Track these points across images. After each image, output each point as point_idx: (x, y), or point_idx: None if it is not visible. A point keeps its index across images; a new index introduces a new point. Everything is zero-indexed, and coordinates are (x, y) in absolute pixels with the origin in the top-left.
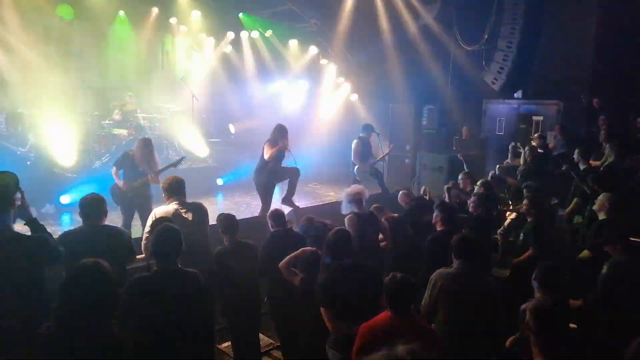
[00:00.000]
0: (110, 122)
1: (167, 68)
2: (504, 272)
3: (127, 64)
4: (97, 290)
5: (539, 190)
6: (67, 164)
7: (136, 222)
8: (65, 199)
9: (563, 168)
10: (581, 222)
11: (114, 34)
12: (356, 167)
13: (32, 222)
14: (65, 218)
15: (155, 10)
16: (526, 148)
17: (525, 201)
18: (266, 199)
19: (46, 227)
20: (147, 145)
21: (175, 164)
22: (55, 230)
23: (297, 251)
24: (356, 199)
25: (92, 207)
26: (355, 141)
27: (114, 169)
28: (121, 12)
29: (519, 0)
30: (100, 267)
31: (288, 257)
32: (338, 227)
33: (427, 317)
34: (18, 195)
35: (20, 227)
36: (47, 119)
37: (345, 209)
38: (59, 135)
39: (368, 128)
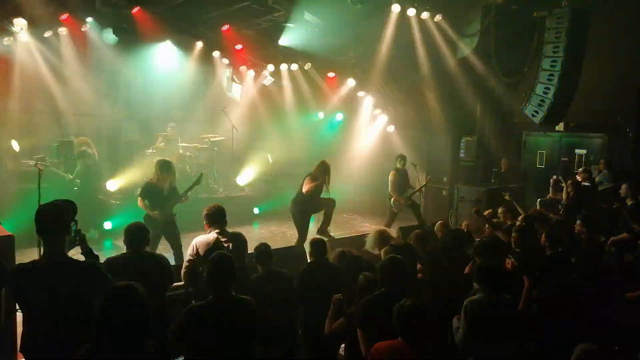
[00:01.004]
0: (154, 151)
1: (209, 99)
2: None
3: (171, 96)
4: (131, 313)
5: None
6: (111, 191)
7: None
8: (108, 225)
9: (614, 206)
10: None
11: (160, 67)
12: (393, 198)
13: (87, 254)
14: (108, 243)
15: (199, 44)
16: (569, 182)
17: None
18: (302, 228)
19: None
20: (166, 167)
21: (198, 182)
22: (99, 255)
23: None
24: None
25: (136, 235)
26: (391, 173)
27: (140, 201)
28: (167, 45)
29: (560, 33)
30: (134, 290)
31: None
32: (391, 255)
33: (464, 347)
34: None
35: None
36: (95, 147)
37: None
38: (105, 163)
39: (403, 159)
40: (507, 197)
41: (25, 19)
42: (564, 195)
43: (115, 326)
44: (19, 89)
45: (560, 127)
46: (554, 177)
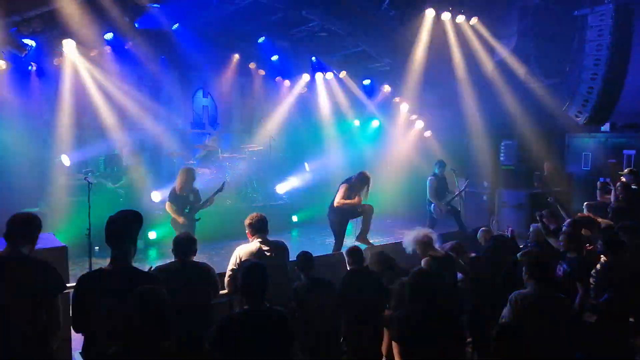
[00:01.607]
0: (194, 162)
1: (247, 110)
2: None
3: (209, 108)
4: (153, 315)
5: (636, 231)
6: (155, 202)
7: None
8: (152, 235)
9: None
10: None
11: (199, 80)
12: (433, 204)
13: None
14: (153, 253)
15: (236, 56)
16: (617, 184)
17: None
18: (339, 235)
19: (135, 261)
20: (192, 174)
21: (220, 189)
22: (143, 265)
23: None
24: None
25: (184, 246)
26: (430, 178)
27: (168, 205)
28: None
29: (603, 31)
30: (155, 294)
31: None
32: (418, 268)
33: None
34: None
35: None
36: (139, 159)
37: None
38: (148, 174)
39: (441, 164)
40: (551, 200)
41: (73, 39)
42: (612, 198)
43: (137, 327)
44: (68, 105)
45: (606, 127)
46: (601, 179)
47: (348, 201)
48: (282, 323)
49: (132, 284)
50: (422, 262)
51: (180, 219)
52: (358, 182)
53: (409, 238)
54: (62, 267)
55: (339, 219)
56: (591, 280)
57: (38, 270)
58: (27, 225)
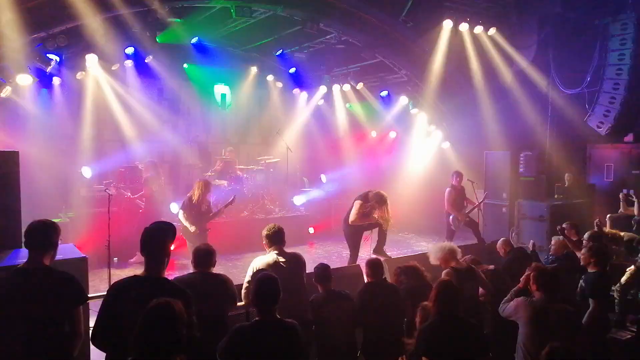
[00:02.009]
0: (212, 173)
1: (264, 122)
2: (623, 333)
3: (228, 120)
4: (167, 328)
5: None
6: (174, 213)
7: None
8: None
9: None
10: None
11: (217, 93)
12: (451, 216)
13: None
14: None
15: (254, 70)
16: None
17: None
18: (355, 248)
19: None
20: (208, 187)
21: (231, 203)
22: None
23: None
24: (447, 253)
25: (203, 257)
26: (447, 190)
27: (182, 214)
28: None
29: (626, 40)
30: (169, 308)
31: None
32: (443, 279)
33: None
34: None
35: None
36: (157, 171)
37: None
38: (167, 186)
39: (459, 176)
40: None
41: (96, 54)
42: (635, 211)
43: (150, 340)
44: (90, 118)
45: (629, 137)
46: (624, 191)
47: (362, 219)
48: (293, 335)
49: (162, 294)
50: (443, 274)
51: (193, 228)
52: (375, 202)
53: (434, 249)
54: (82, 278)
55: (354, 230)
56: (615, 294)
57: (60, 281)
58: (44, 233)
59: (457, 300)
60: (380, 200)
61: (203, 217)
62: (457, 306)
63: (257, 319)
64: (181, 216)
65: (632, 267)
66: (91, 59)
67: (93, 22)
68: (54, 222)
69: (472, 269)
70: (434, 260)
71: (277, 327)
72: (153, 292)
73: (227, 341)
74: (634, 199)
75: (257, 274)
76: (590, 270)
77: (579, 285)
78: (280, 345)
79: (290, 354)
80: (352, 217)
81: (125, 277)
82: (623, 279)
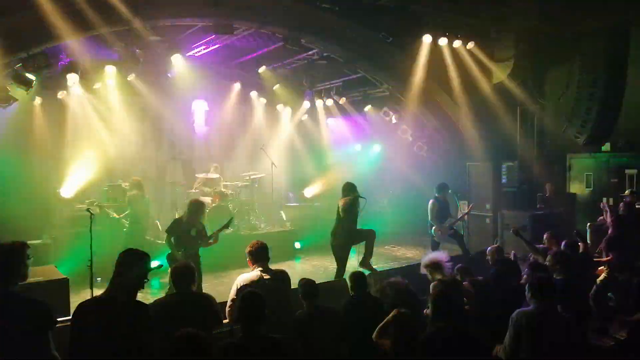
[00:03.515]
0: (197, 190)
1: (248, 138)
2: (607, 340)
3: (211, 137)
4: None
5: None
6: (157, 231)
7: None
8: (154, 264)
9: None
10: None
11: (200, 109)
12: (434, 228)
13: None
14: (155, 282)
15: (237, 86)
16: (621, 204)
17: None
18: (342, 261)
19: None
20: (198, 208)
21: (227, 226)
22: (146, 295)
23: (389, 316)
24: (435, 266)
25: (183, 276)
26: (431, 202)
27: (167, 238)
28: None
29: (598, 52)
30: (203, 339)
31: (379, 326)
32: (440, 289)
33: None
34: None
35: None
36: (142, 189)
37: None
38: (151, 204)
39: (443, 187)
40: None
41: (77, 73)
42: (607, 219)
43: None
44: (72, 137)
45: (606, 147)
46: (604, 200)
47: (349, 197)
48: (277, 350)
49: (126, 315)
50: (431, 287)
51: (177, 253)
52: (348, 192)
53: (423, 261)
54: (63, 299)
55: (343, 243)
56: (591, 302)
57: (23, 307)
58: (9, 259)
59: (454, 311)
60: (351, 187)
61: (192, 243)
62: (454, 317)
63: (240, 335)
64: (166, 240)
65: (604, 274)
66: (72, 78)
67: (74, 42)
68: (18, 246)
69: (457, 281)
70: (423, 270)
71: (261, 343)
72: (116, 313)
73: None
74: (606, 209)
75: (242, 290)
76: (556, 277)
77: None
78: None
79: None
80: (341, 203)
81: (87, 299)
82: (598, 282)
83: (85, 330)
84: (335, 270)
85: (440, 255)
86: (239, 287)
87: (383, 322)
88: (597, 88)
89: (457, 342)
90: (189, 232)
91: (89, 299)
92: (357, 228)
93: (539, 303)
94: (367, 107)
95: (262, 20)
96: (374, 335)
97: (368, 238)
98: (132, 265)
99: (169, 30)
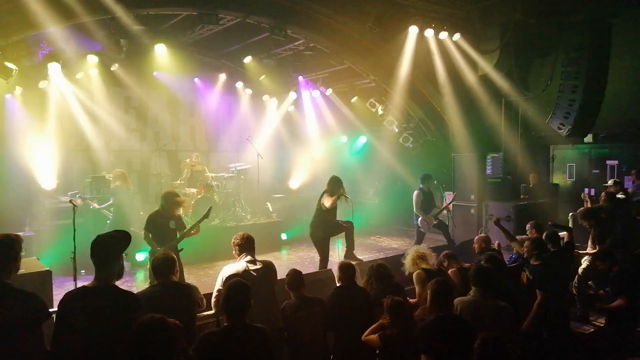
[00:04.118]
0: (182, 182)
1: (234, 129)
2: (587, 327)
3: (196, 127)
4: (159, 346)
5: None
6: (142, 223)
7: None
8: (140, 257)
9: None
10: None
11: (186, 100)
12: (420, 218)
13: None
14: (140, 275)
15: (223, 77)
16: (602, 194)
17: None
18: (324, 253)
19: (122, 282)
20: (172, 199)
21: (206, 216)
22: (131, 287)
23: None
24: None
25: (163, 267)
26: (415, 193)
27: (145, 234)
28: (196, 80)
29: (581, 45)
30: (165, 324)
31: (370, 329)
32: (439, 278)
33: None
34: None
35: None
36: (126, 181)
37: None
38: (135, 196)
39: (426, 178)
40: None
41: (59, 62)
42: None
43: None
44: (54, 128)
45: (589, 138)
46: (585, 191)
47: (334, 197)
48: (262, 339)
49: (111, 303)
50: (414, 276)
51: (157, 250)
52: (334, 186)
53: (407, 261)
54: (46, 291)
55: (322, 236)
56: (573, 289)
57: (18, 300)
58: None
59: (452, 298)
60: (337, 181)
61: (172, 235)
62: (452, 305)
63: (225, 324)
64: (145, 237)
65: (586, 262)
66: (54, 68)
67: (56, 30)
68: (8, 238)
69: (442, 270)
70: (408, 266)
71: (246, 332)
72: (102, 302)
73: (196, 348)
74: (586, 199)
75: (229, 280)
76: (533, 263)
77: (527, 278)
78: (249, 350)
79: (260, 358)
80: (327, 203)
81: (73, 289)
82: (579, 271)
83: (70, 320)
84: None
85: (420, 248)
86: (225, 278)
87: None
88: (580, 81)
89: (456, 330)
90: (168, 225)
91: (75, 289)
92: (336, 220)
93: (478, 292)
94: (354, 98)
95: (247, 10)
96: (363, 337)
97: (347, 230)
98: (106, 250)
99: (154, 19)
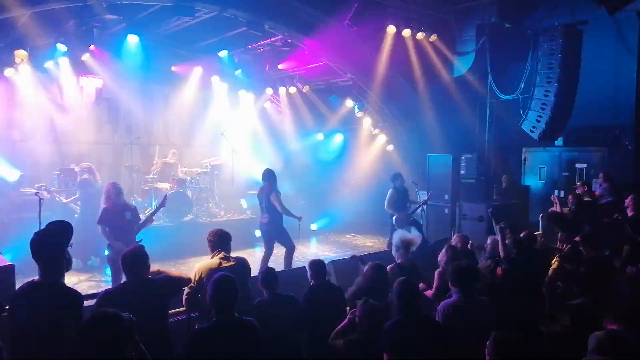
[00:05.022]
0: (154, 176)
1: (209, 124)
2: (554, 326)
3: (170, 121)
4: (110, 339)
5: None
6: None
7: None
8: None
9: (615, 217)
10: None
11: (160, 93)
12: (395, 216)
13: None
14: (109, 270)
15: (199, 70)
16: (569, 196)
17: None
18: (270, 247)
19: (91, 278)
20: (117, 189)
21: (162, 204)
22: (100, 282)
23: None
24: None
25: (133, 262)
26: (390, 191)
27: (101, 229)
28: (170, 72)
29: (554, 50)
30: (116, 318)
31: (334, 332)
32: (403, 279)
33: None
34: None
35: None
36: (94, 174)
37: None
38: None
39: (397, 176)
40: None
41: (26, 50)
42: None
43: (91, 352)
44: (21, 119)
45: (559, 142)
46: (555, 193)
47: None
48: (252, 332)
49: (55, 300)
50: (388, 268)
51: (115, 243)
52: (272, 181)
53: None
54: (8, 286)
55: (271, 228)
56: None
57: None
58: None
59: (419, 298)
60: (272, 175)
61: (129, 227)
62: (419, 304)
63: (215, 319)
64: (100, 232)
65: (556, 263)
66: (20, 55)
67: (23, 16)
68: None
69: (415, 265)
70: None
71: (237, 326)
72: (47, 298)
73: (189, 344)
74: (555, 201)
75: (214, 275)
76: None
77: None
78: (242, 343)
79: (252, 351)
80: (279, 207)
81: (22, 284)
82: (549, 272)
83: (18, 316)
84: (295, 258)
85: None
86: (199, 275)
87: (340, 327)
88: (553, 85)
89: (423, 330)
90: (124, 216)
91: (23, 284)
92: (284, 229)
93: (460, 293)
94: (331, 96)
95: (224, 3)
96: (329, 339)
97: (288, 247)
98: (48, 247)
99: (127, 10)
